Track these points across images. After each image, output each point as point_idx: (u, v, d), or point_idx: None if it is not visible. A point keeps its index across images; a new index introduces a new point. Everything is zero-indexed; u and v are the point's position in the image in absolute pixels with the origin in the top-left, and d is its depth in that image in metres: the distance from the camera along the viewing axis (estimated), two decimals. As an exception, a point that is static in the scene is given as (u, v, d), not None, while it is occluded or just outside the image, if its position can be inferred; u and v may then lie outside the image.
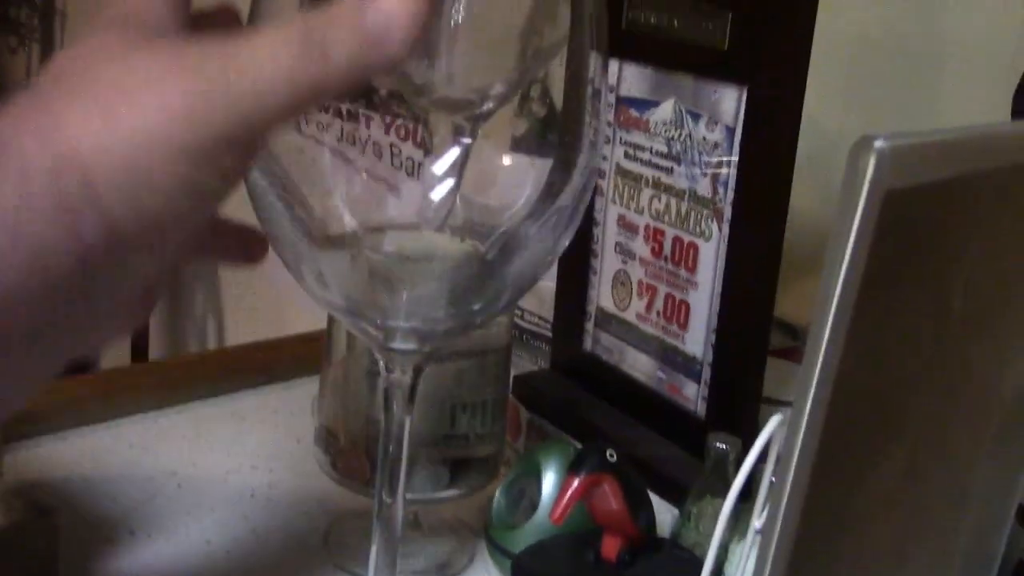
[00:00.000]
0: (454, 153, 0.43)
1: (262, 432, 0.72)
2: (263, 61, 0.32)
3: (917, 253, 0.30)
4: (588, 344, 0.74)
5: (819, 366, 0.27)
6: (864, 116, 0.85)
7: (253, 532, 0.61)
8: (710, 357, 0.65)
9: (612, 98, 0.69)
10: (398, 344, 0.44)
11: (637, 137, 0.68)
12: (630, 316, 0.70)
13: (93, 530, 0.60)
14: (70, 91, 0.33)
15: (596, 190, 0.71)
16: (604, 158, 0.70)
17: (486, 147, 0.44)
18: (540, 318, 0.84)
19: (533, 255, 0.44)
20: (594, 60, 0.43)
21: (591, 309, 0.73)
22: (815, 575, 0.30)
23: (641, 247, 0.69)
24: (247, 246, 0.44)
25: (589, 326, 0.74)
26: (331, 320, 0.59)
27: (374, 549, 0.46)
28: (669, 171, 0.67)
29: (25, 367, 0.34)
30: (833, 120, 0.82)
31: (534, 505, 0.58)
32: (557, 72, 0.44)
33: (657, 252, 0.68)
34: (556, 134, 0.45)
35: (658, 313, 0.68)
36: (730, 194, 0.63)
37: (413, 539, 0.60)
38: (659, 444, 0.68)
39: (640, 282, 0.69)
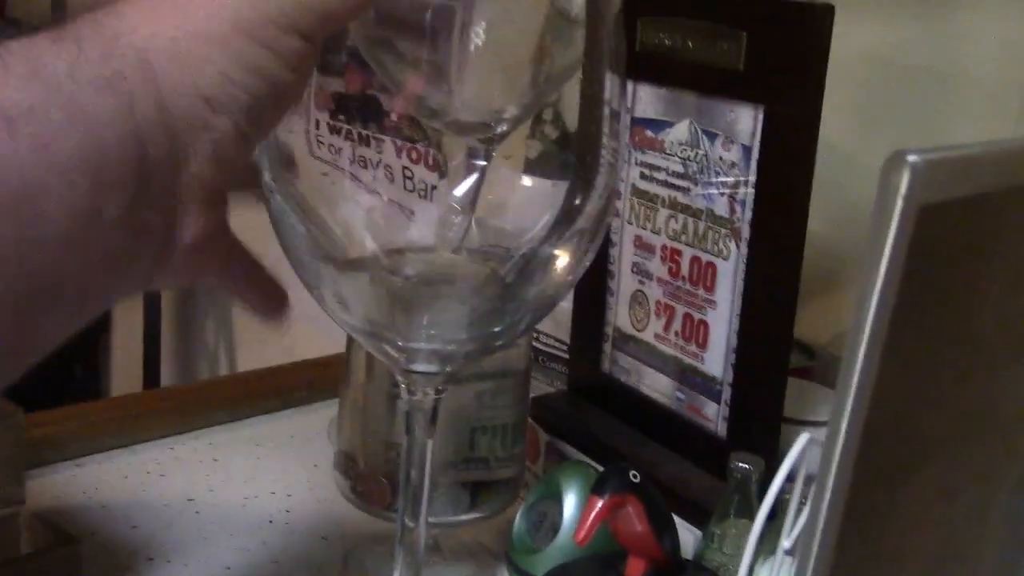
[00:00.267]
0: (469, 176, 0.43)
1: (279, 458, 0.72)
2: None
3: (949, 269, 0.29)
4: (606, 365, 0.74)
5: (855, 386, 0.26)
6: (878, 137, 0.85)
7: (272, 558, 0.61)
8: (730, 377, 0.65)
9: (627, 119, 0.69)
10: (420, 366, 0.44)
11: (653, 157, 0.68)
12: (648, 336, 0.70)
13: (112, 557, 0.59)
14: None
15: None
16: (620, 179, 0.69)
17: (503, 170, 0.44)
18: (557, 340, 0.84)
19: (553, 278, 0.44)
20: (611, 81, 0.43)
21: (608, 330, 0.73)
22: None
23: (658, 267, 0.69)
24: (269, 301, 0.44)
25: (607, 347, 0.73)
26: (350, 343, 0.59)
27: (396, 574, 0.46)
28: (686, 191, 0.66)
29: (60, 298, 0.34)
30: (847, 142, 0.82)
31: (555, 528, 0.58)
32: (570, 94, 0.44)
33: (675, 272, 0.68)
34: (571, 156, 0.45)
35: (676, 333, 0.68)
36: (748, 213, 0.63)
37: (434, 563, 0.60)
38: (679, 465, 0.67)
39: (658, 302, 0.69)
